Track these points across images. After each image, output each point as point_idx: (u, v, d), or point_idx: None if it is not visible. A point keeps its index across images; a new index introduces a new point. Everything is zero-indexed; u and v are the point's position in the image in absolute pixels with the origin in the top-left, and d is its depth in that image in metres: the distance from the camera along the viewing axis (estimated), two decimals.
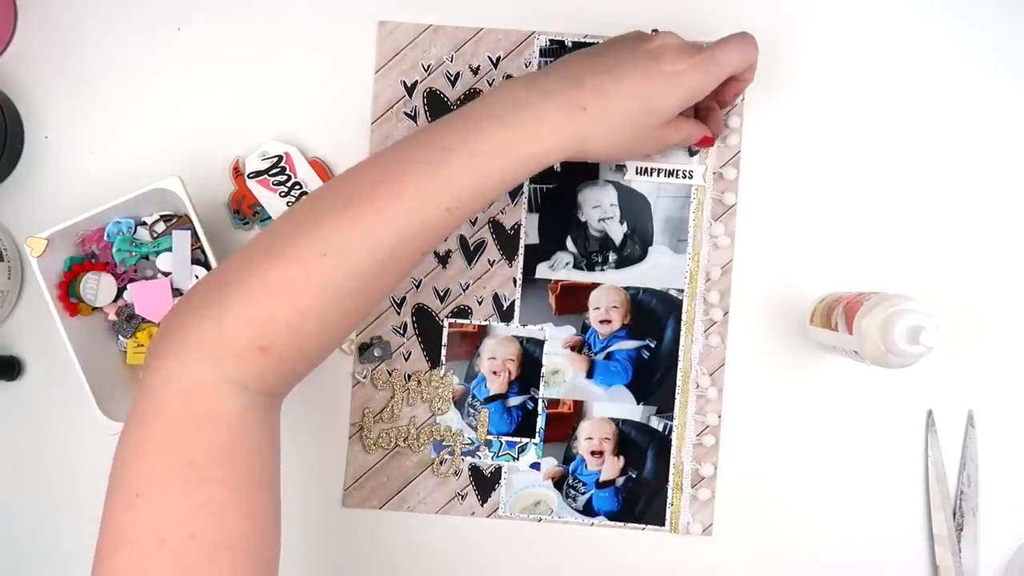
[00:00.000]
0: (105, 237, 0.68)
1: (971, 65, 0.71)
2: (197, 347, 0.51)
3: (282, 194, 0.70)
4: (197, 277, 0.68)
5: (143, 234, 0.69)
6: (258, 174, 0.70)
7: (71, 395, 0.68)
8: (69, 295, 0.67)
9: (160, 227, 0.69)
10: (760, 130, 0.71)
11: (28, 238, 0.65)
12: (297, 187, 0.70)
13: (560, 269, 0.72)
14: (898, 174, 0.71)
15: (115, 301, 0.69)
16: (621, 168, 0.71)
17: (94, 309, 0.68)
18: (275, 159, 0.70)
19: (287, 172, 0.70)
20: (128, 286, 0.68)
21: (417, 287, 0.72)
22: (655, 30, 0.63)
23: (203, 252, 0.67)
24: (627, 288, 0.71)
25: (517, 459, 0.71)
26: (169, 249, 0.68)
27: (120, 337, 0.69)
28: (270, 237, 0.54)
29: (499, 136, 0.56)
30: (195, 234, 0.67)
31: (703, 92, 0.60)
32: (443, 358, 0.72)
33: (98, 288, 0.68)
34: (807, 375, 0.71)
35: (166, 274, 0.68)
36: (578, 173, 0.71)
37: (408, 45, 0.72)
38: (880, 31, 0.71)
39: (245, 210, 0.71)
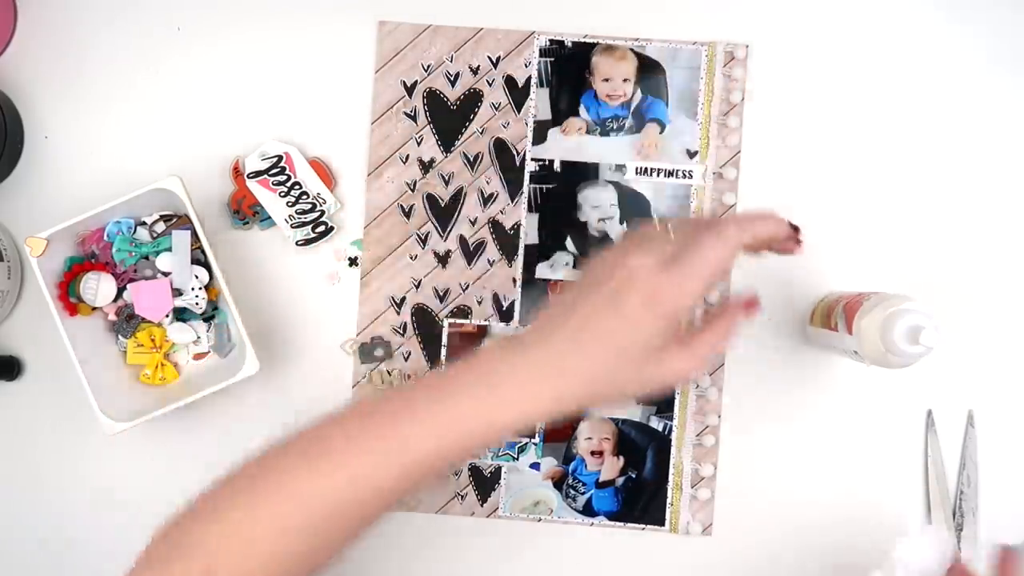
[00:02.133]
0: (105, 237, 0.68)
1: (971, 65, 0.71)
2: None
3: (282, 194, 0.70)
4: (197, 277, 0.68)
5: (143, 234, 0.69)
6: (258, 174, 0.70)
7: (71, 395, 0.68)
8: (69, 295, 0.67)
9: (160, 227, 0.69)
10: (760, 130, 0.71)
11: (28, 238, 0.65)
12: (297, 187, 0.70)
13: (560, 269, 0.72)
14: (898, 174, 0.71)
15: (115, 301, 0.69)
16: (621, 168, 0.71)
17: (94, 309, 0.68)
18: (275, 159, 0.70)
19: (287, 172, 0.70)
20: (128, 286, 0.68)
21: (417, 287, 0.72)
22: (659, 220, 0.58)
23: (203, 252, 0.67)
24: None
25: (517, 459, 0.71)
26: (169, 249, 0.68)
27: (120, 337, 0.69)
28: (232, 489, 0.53)
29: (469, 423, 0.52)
30: (195, 234, 0.67)
31: (686, 311, 0.53)
32: (443, 358, 0.72)
33: (98, 288, 0.68)
34: (807, 375, 0.71)
35: (166, 274, 0.68)
36: (578, 173, 0.71)
37: (408, 45, 0.72)
38: (880, 31, 0.71)
39: (245, 210, 0.71)
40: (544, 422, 0.55)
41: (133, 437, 0.69)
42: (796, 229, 0.55)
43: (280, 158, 0.70)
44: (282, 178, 0.70)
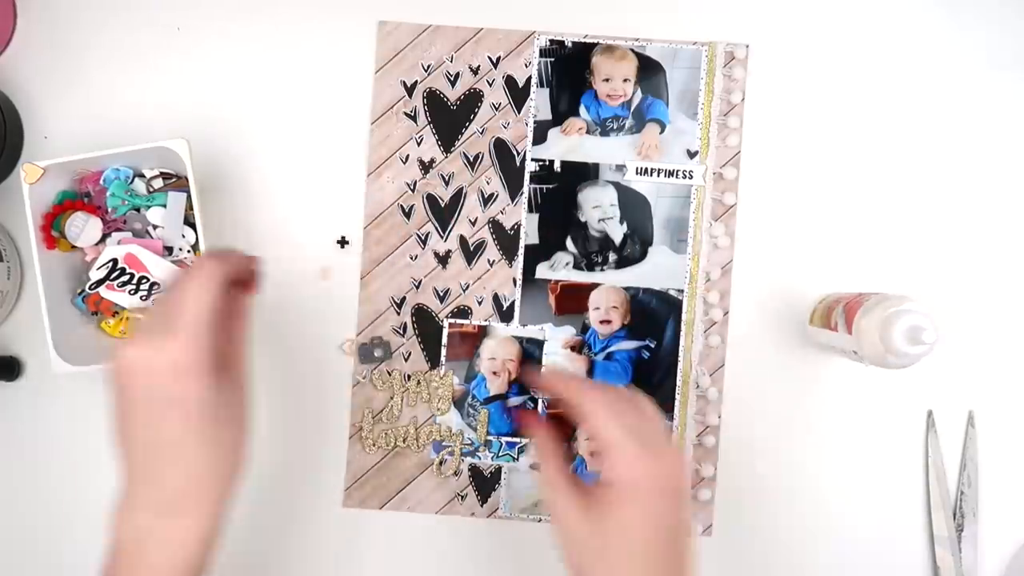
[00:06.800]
0: (102, 182, 0.68)
1: (972, 65, 0.71)
2: None
3: (131, 292, 0.68)
4: (184, 237, 0.68)
5: (139, 186, 0.68)
6: (98, 284, 0.68)
7: (71, 395, 0.68)
8: (53, 228, 0.66)
9: (158, 183, 0.68)
10: (760, 130, 0.71)
11: (25, 164, 0.65)
12: (145, 280, 0.67)
13: (560, 269, 0.72)
14: (898, 174, 0.71)
15: (97, 244, 0.68)
16: (621, 168, 0.71)
17: (73, 248, 0.68)
18: (110, 264, 0.67)
19: (128, 271, 0.67)
20: (125, 243, 0.67)
21: (417, 287, 0.72)
22: None
23: (194, 217, 0.67)
24: (627, 288, 0.71)
25: (517, 459, 0.71)
26: (162, 205, 0.68)
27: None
28: None
29: None
30: (189, 199, 0.67)
31: None
32: (443, 358, 0.72)
33: (84, 229, 0.67)
34: (807, 375, 0.71)
35: (155, 227, 0.68)
36: (578, 173, 0.71)
37: (408, 45, 0.72)
38: (880, 31, 0.71)
39: (104, 311, 0.68)
40: None
41: None
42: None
43: (115, 261, 0.67)
44: (124, 278, 0.67)
